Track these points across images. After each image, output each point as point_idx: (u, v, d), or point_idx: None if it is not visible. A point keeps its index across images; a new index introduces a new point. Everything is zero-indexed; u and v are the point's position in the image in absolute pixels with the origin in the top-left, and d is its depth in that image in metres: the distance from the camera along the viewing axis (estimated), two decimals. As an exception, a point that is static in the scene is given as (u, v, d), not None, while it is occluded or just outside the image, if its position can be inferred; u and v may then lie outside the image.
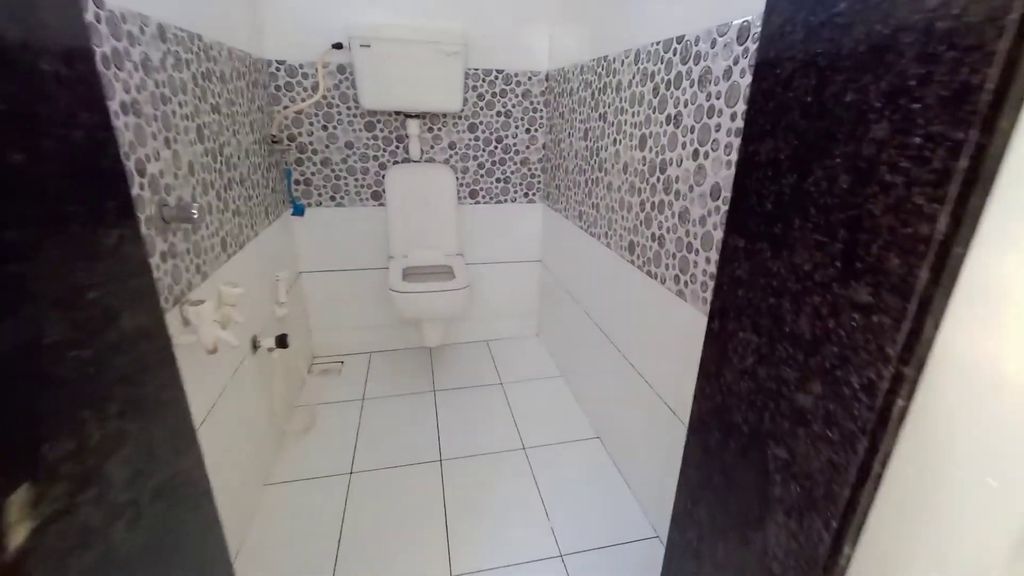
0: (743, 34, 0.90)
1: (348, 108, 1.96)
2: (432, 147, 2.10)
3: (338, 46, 1.83)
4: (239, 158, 1.42)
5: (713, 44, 0.99)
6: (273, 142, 1.77)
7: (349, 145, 2.01)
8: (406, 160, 2.09)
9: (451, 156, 2.13)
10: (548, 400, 1.97)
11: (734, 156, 0.94)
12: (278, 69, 1.84)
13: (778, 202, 0.43)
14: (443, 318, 1.95)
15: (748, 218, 0.48)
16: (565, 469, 1.59)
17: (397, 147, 2.07)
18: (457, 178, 2.16)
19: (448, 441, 1.72)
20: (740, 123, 0.92)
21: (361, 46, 1.77)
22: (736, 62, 0.92)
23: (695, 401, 0.59)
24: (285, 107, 1.89)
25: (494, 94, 2.06)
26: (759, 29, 0.85)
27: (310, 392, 1.99)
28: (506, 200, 2.25)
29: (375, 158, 2.06)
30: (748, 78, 0.89)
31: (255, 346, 1.45)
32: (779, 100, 0.43)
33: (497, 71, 2.04)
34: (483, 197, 2.21)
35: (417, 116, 2.00)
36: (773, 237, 0.44)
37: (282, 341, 1.49)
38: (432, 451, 1.67)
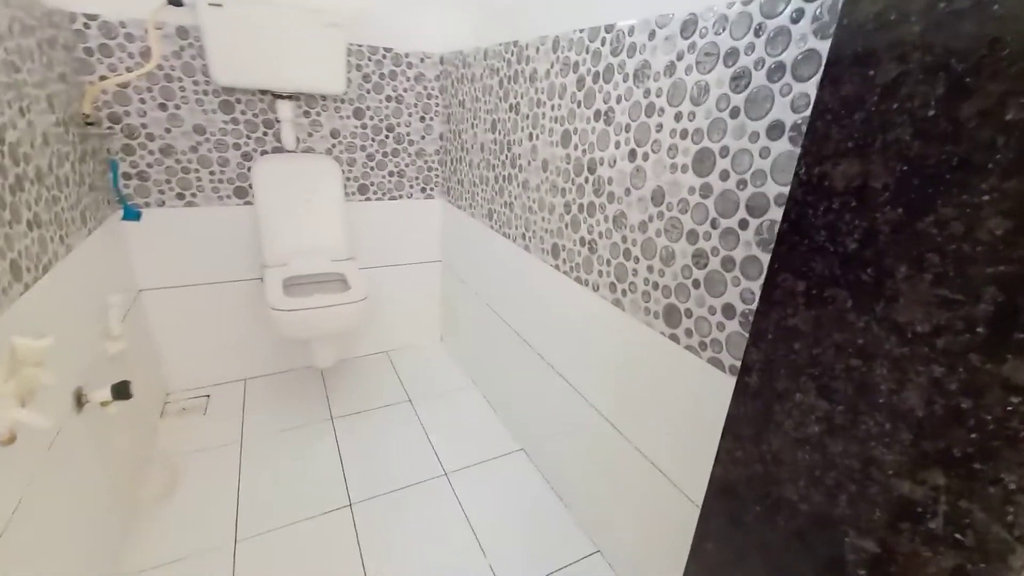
0: (688, 28, 0.83)
1: (196, 83, 1.57)
2: (311, 134, 1.78)
3: (176, 2, 1.43)
4: (33, 146, 1.01)
5: (652, 36, 0.91)
6: (87, 124, 1.33)
7: (200, 130, 1.61)
8: (278, 149, 1.75)
9: (334, 145, 1.83)
10: (464, 414, 1.82)
11: (680, 159, 0.88)
12: (87, 26, 1.39)
13: (869, 242, 0.34)
14: (338, 335, 1.68)
15: (812, 257, 0.38)
16: (493, 492, 1.47)
17: (266, 133, 1.71)
18: (344, 171, 1.87)
19: (357, 479, 1.48)
20: (687, 123, 0.85)
21: (210, 4, 1.40)
22: (680, 57, 0.85)
23: (717, 463, 0.50)
24: (102, 78, 1.44)
25: (382, 75, 1.81)
26: (710, 23, 0.78)
27: (167, 440, 1.59)
28: (401, 196, 2.02)
29: (236, 147, 1.68)
30: (696, 75, 0.83)
31: (80, 403, 1.07)
32: (873, 111, 0.33)
33: (385, 49, 1.79)
34: (375, 193, 1.96)
35: (289, 97, 1.67)
36: (859, 285, 0.35)
37: (122, 391, 1.12)
38: (338, 494, 1.42)
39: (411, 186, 2.02)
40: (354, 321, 1.58)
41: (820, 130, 0.37)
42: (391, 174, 1.96)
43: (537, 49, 1.27)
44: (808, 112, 0.67)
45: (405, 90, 1.87)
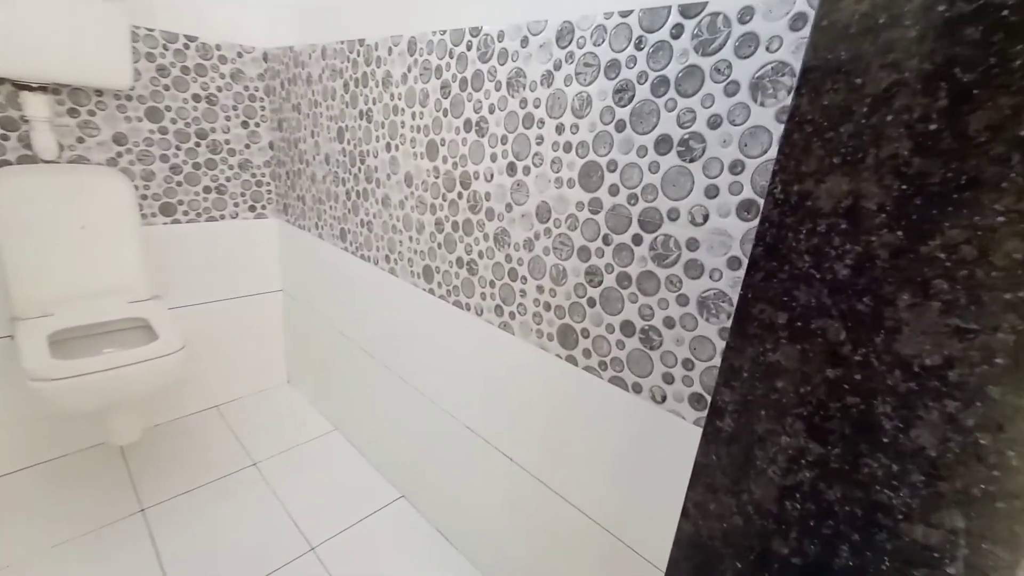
0: (564, 36, 0.79)
1: None
2: (81, 140, 1.35)
3: None
4: None
5: (524, 43, 0.85)
6: None
7: None
8: (27, 160, 1.28)
9: (120, 155, 1.42)
10: (328, 467, 1.56)
11: (565, 173, 0.84)
12: None
13: (863, 268, 0.31)
14: (143, 401, 1.29)
15: (796, 285, 0.34)
16: (375, 556, 1.26)
17: (6, 138, 1.24)
18: (137, 187, 1.46)
19: (188, 586, 1.14)
20: (571, 136, 0.82)
21: None
22: (558, 67, 0.81)
23: (685, 518, 0.44)
24: None
25: (185, 69, 1.47)
26: (587, 33, 0.75)
27: None
28: (223, 216, 1.66)
29: (-48, 154, 1.18)
30: (576, 87, 0.79)
31: None
32: (863, 123, 0.30)
33: (188, 38, 1.45)
34: (185, 213, 1.58)
35: (43, 89, 1.24)
36: (854, 315, 0.32)
37: None
38: (162, 615, 1.07)
39: (236, 204, 1.68)
40: (166, 379, 1.23)
41: (798, 143, 0.33)
42: (207, 190, 1.60)
43: (389, 50, 1.14)
44: (694, 127, 0.67)
45: (219, 88, 1.54)
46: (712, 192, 0.66)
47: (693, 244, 0.69)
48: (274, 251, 1.82)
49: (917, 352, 0.30)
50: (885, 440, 0.32)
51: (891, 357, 0.31)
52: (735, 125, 0.63)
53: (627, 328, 0.80)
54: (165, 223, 1.54)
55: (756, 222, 0.56)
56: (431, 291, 1.18)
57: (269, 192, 1.75)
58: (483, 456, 1.13)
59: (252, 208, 1.72)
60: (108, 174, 1.38)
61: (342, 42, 1.28)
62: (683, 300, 0.71)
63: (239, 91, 1.59)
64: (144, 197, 1.48)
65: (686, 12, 0.65)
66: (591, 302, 0.84)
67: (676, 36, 0.67)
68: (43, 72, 1.19)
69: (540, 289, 0.93)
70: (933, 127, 0.28)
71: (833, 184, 0.32)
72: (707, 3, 0.63)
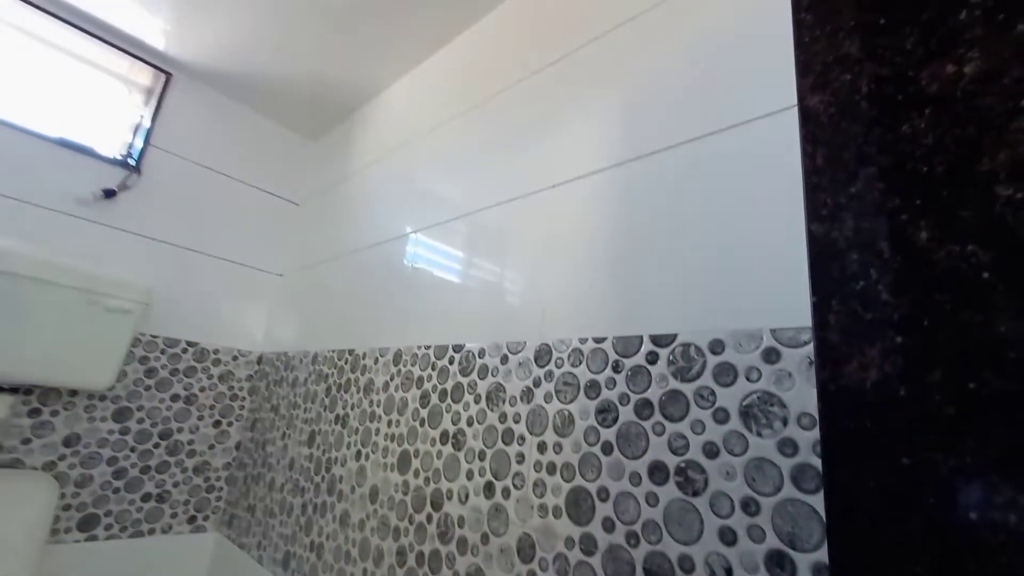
0: (543, 356, 0.81)
1: None
2: (27, 441, 1.25)
3: None
4: None
5: (504, 360, 0.87)
6: None
7: None
8: (-49, 464, 1.14)
9: (62, 457, 1.29)
10: None
11: (551, 499, 0.72)
12: None
13: None
14: None
15: None
16: None
17: (-62, 440, 1.14)
18: (61, 496, 1.27)
19: None
20: (554, 455, 0.74)
21: (-66, 272, 1.07)
22: (537, 384, 0.80)
23: None
24: None
25: (175, 371, 1.49)
26: (565, 355, 0.77)
27: None
28: (153, 530, 1.41)
29: None
30: (557, 404, 0.76)
31: None
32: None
33: (188, 344, 1.53)
34: (107, 528, 1.33)
35: (12, 390, 1.21)
36: None
37: None
38: None
39: (174, 514, 1.45)
40: None
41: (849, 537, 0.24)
42: (146, 498, 1.40)
43: (376, 359, 1.17)
44: (689, 454, 0.60)
45: (202, 389, 1.54)
46: (728, 537, 0.54)
47: (720, 611, 0.53)
48: (202, 574, 1.48)
49: None
50: None
51: None
52: (735, 455, 0.56)
53: None
54: (77, 540, 1.29)
55: (799, 593, 0.43)
56: (379, 655, 0.88)
57: (219, 499, 1.54)
58: None
59: (192, 519, 1.48)
60: (34, 480, 1.22)
61: (332, 350, 1.34)
62: None
63: (222, 391, 1.58)
64: (67, 507, 1.28)
65: (657, 341, 0.67)
66: None
67: (652, 362, 0.67)
68: (29, 374, 1.19)
69: (524, 665, 0.68)
70: None
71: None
72: (676, 335, 0.66)
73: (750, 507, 0.54)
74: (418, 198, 1.26)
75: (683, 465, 0.61)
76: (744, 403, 0.57)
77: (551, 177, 0.92)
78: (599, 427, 0.70)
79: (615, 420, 0.69)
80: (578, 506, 0.69)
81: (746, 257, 0.62)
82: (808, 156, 0.30)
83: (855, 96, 0.29)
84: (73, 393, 1.32)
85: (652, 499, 0.62)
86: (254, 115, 1.79)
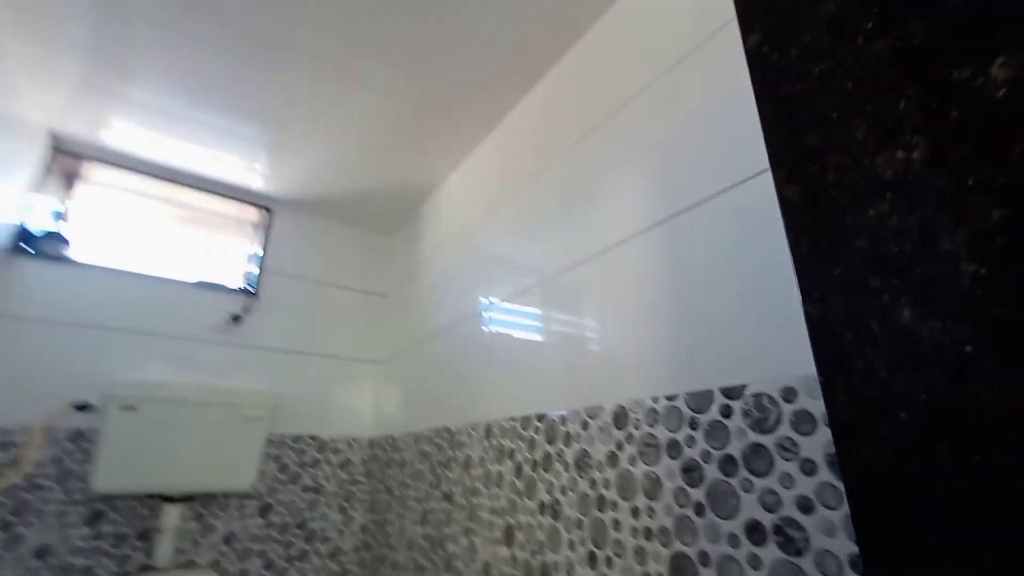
0: (620, 419, 0.83)
1: (67, 492, 1.32)
2: (196, 542, 1.45)
3: (84, 407, 1.35)
4: None
5: (585, 426, 0.90)
6: None
7: (42, 552, 1.26)
8: (147, 569, 1.37)
9: (224, 554, 1.48)
10: None
11: (653, 566, 0.72)
12: (-46, 439, 1.22)
13: None
14: None
15: None
16: None
17: (135, 549, 1.37)
18: (226, 590, 1.45)
19: None
20: (648, 520, 0.74)
21: (122, 408, 1.33)
22: (620, 447, 0.82)
23: None
24: (-66, 497, 1.17)
25: (303, 465, 1.67)
26: (641, 416, 0.78)
27: None
28: (300, 616, 1.54)
29: (87, 572, 1.30)
30: (643, 467, 0.77)
31: None
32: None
33: (310, 438, 1.71)
34: (264, 617, 1.49)
35: (181, 500, 1.43)
36: None
37: None
38: None
39: (316, 600, 1.58)
40: None
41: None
42: (292, 585, 1.55)
43: (470, 435, 1.24)
44: (784, 511, 0.58)
45: (326, 478, 1.71)
46: (842, 600, 0.52)
47: None
48: (345, 659, 1.57)
49: None
50: None
51: None
52: (832, 509, 0.54)
53: None
54: (241, 630, 1.45)
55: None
56: None
57: (352, 581, 1.65)
58: None
59: (332, 603, 1.60)
60: (206, 578, 1.41)
61: (432, 429, 1.44)
62: None
63: (343, 478, 1.74)
64: (230, 600, 1.45)
65: (728, 393, 0.67)
66: None
67: (727, 416, 0.67)
68: (189, 483, 1.41)
69: None
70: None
71: None
72: (746, 385, 0.65)
73: (859, 565, 0.51)
74: (486, 273, 1.36)
75: (779, 523, 0.59)
76: (829, 452, 0.55)
77: (603, 239, 0.97)
78: (687, 487, 0.70)
79: (701, 479, 0.68)
80: (682, 573, 0.68)
81: (801, 299, 0.62)
82: (793, 243, 0.33)
83: (824, 185, 0.32)
84: (226, 496, 1.53)
85: (755, 561, 0.60)
86: (339, 225, 2.05)
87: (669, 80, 0.90)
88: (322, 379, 1.81)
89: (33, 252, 1.43)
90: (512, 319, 1.21)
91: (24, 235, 1.42)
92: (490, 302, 1.30)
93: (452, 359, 1.44)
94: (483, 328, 1.31)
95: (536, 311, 1.13)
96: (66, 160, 1.58)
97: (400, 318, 1.88)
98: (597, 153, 1.05)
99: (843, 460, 0.28)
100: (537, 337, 1.11)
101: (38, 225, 1.47)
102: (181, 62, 1.24)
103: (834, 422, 0.29)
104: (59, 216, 1.54)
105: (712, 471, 0.67)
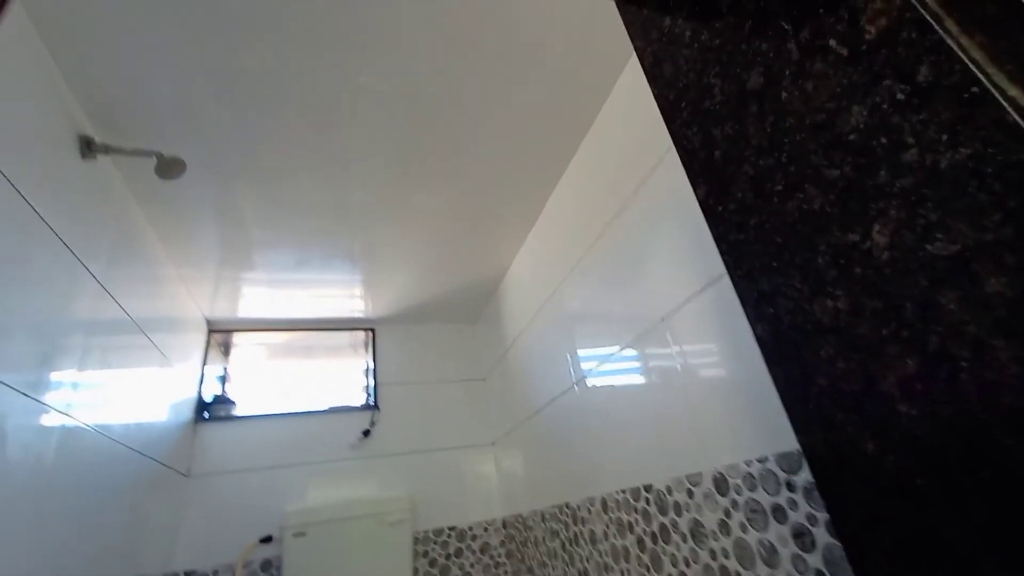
0: (721, 486, 0.84)
1: (265, 617, 1.56)
2: (375, 647, 1.61)
3: (267, 540, 1.60)
4: None
5: (690, 495, 0.91)
6: None
7: (259, 673, 1.48)
8: (338, 677, 1.54)
9: (400, 654, 1.62)
10: None
11: (791, 640, 0.71)
12: (183, 584, 1.51)
13: None
14: None
15: None
16: None
17: (327, 659, 1.56)
18: None
19: None
20: (775, 592, 0.73)
21: (295, 535, 1.56)
22: (728, 515, 0.82)
23: None
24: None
25: (448, 556, 1.80)
26: (740, 480, 0.79)
27: None
28: None
29: None
30: (755, 534, 0.77)
31: None
32: None
33: (449, 529, 1.85)
34: None
35: (356, 607, 1.61)
36: None
37: None
38: None
39: None
40: None
41: None
42: (465, 677, 1.64)
43: (589, 510, 1.28)
44: None
45: (472, 564, 1.81)
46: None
47: None
48: None
49: None
50: None
51: None
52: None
53: None
54: None
55: None
56: None
57: (518, 666, 1.70)
58: None
59: None
60: None
61: (554, 506, 1.49)
62: None
63: (487, 562, 1.83)
64: None
65: (815, 453, 0.67)
66: None
67: (820, 476, 0.67)
68: (358, 593, 1.58)
69: None
70: None
71: None
72: (830, 443, 0.65)
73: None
74: (570, 345, 1.43)
75: (901, 587, 0.57)
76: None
77: (661, 308, 1.01)
78: (803, 554, 0.69)
79: (813, 544, 0.68)
80: (820, 645, 0.66)
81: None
82: (774, 377, 0.38)
83: (781, 326, 0.36)
84: (390, 597, 1.69)
85: (888, 630, 0.58)
86: (431, 326, 2.27)
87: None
88: (447, 470, 1.96)
89: (208, 417, 1.78)
90: (602, 391, 1.26)
91: (201, 405, 1.78)
92: (578, 379, 1.37)
93: (557, 434, 1.50)
94: (579, 403, 1.37)
95: (624, 381, 1.17)
96: (219, 336, 1.97)
97: (500, 399, 2.00)
98: (647, 210, 1.11)
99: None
100: (629, 405, 1.15)
101: (209, 393, 1.83)
102: (286, 241, 1.54)
103: (840, 537, 0.33)
104: (223, 380, 1.90)
105: (822, 535, 0.67)
